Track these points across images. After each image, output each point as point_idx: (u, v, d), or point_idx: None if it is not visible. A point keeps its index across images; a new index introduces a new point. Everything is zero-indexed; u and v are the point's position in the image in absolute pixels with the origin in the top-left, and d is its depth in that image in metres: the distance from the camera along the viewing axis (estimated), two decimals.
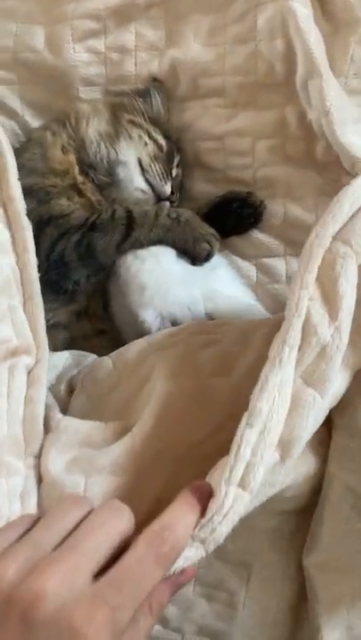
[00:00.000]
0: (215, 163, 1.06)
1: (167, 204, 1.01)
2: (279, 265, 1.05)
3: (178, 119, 1.08)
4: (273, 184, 1.04)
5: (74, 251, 0.94)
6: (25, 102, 1.10)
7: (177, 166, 1.07)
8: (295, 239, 1.04)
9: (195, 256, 0.96)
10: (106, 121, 1.05)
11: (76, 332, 1.00)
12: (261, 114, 1.03)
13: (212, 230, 0.97)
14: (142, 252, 0.94)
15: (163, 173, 1.03)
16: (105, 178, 1.03)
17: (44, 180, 0.99)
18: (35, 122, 1.11)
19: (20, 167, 0.99)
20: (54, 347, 0.98)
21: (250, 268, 1.07)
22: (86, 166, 1.03)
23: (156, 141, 1.05)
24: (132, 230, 0.93)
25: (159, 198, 1.03)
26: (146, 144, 1.04)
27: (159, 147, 1.05)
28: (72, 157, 1.03)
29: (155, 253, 0.94)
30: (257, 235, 1.06)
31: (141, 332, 0.90)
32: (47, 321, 0.96)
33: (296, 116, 1.01)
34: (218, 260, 1.01)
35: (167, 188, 1.03)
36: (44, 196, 0.98)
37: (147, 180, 1.02)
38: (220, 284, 0.98)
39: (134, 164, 1.03)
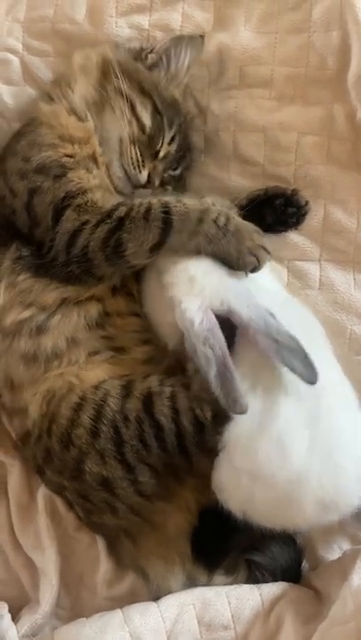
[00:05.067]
0: (255, 156, 1.01)
1: (212, 207, 0.88)
2: (313, 270, 1.00)
3: (220, 108, 1.02)
4: (315, 184, 0.99)
5: (100, 249, 0.85)
6: None
7: (170, 143, 0.96)
8: (333, 244, 0.99)
9: (237, 268, 0.85)
10: (93, 85, 0.95)
11: (110, 306, 0.92)
12: (308, 109, 0.98)
13: (261, 241, 0.86)
14: None
15: (138, 160, 0.93)
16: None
17: (57, 152, 0.91)
18: None
19: (32, 145, 0.92)
20: (86, 321, 0.90)
21: (281, 271, 1.01)
22: None
23: (138, 120, 0.94)
24: (168, 236, 0.83)
25: (135, 186, 0.94)
26: (129, 122, 0.93)
27: (141, 127, 0.94)
28: (90, 124, 0.93)
29: None
30: (292, 236, 1.00)
31: (181, 323, 0.82)
32: (80, 295, 0.90)
33: (344, 115, 0.97)
34: None
35: (142, 177, 0.93)
36: (59, 170, 0.89)
37: (122, 167, 0.93)
38: (262, 279, 0.91)
39: (116, 145, 0.93)
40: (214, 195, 0.99)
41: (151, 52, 0.98)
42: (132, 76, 0.95)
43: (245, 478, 0.82)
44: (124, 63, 0.95)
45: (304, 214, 0.98)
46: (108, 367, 0.90)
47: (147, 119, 0.94)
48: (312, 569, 0.97)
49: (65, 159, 0.90)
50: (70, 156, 0.91)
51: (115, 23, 1.01)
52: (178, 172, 0.99)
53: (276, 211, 0.97)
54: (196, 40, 0.97)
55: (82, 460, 0.85)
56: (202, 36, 0.98)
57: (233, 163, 1.03)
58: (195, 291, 0.83)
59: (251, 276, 0.86)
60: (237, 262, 0.85)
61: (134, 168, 0.93)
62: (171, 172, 0.98)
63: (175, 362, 0.90)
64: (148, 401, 0.85)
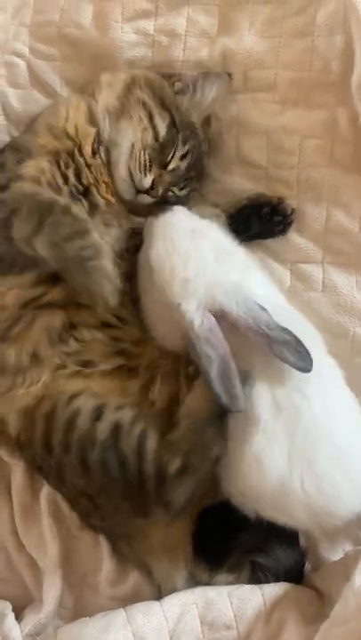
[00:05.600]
0: (258, 159, 1.02)
1: (93, 236, 0.85)
2: (316, 272, 1.01)
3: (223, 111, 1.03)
4: (317, 186, 0.99)
5: (1, 226, 0.87)
6: (65, 80, 1.05)
7: (181, 158, 0.98)
8: (336, 246, 1.00)
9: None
10: (117, 95, 0.98)
11: (76, 317, 0.91)
12: (311, 112, 0.99)
13: (107, 291, 0.82)
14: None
15: (145, 164, 0.94)
16: (104, 156, 0.96)
17: (35, 139, 0.93)
18: None
19: (28, 127, 0.99)
20: (48, 332, 0.89)
21: (284, 273, 1.02)
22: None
23: (154, 128, 0.96)
24: (38, 232, 0.83)
25: (138, 190, 0.95)
26: (144, 129, 0.96)
27: (155, 135, 0.96)
28: (94, 130, 0.96)
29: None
30: (295, 238, 1.01)
31: (182, 325, 0.83)
32: (40, 297, 0.89)
33: (347, 118, 0.97)
34: (249, 260, 0.95)
35: (145, 181, 0.94)
36: (25, 155, 0.92)
37: (128, 169, 0.95)
38: (254, 285, 0.91)
39: (126, 149, 0.95)
40: (209, 201, 1.02)
41: (179, 80, 1.01)
42: (156, 92, 0.98)
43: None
44: (151, 79, 0.99)
45: (290, 223, 1.00)
46: (80, 381, 0.89)
47: (162, 129, 0.96)
48: (314, 570, 0.97)
49: (35, 148, 0.93)
50: (42, 146, 0.93)
51: (120, 28, 1.02)
52: (184, 192, 1.00)
53: (262, 219, 0.98)
54: (224, 78, 1.00)
55: (61, 469, 0.87)
56: (229, 74, 1.00)
57: (236, 166, 1.04)
58: (189, 292, 0.83)
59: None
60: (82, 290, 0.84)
61: (140, 171, 0.94)
62: (177, 192, 0.99)
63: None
64: (116, 432, 0.84)
